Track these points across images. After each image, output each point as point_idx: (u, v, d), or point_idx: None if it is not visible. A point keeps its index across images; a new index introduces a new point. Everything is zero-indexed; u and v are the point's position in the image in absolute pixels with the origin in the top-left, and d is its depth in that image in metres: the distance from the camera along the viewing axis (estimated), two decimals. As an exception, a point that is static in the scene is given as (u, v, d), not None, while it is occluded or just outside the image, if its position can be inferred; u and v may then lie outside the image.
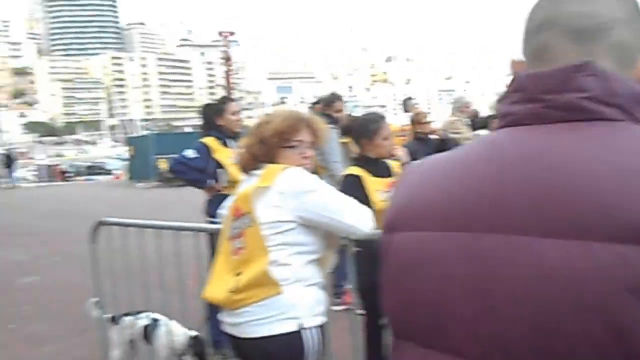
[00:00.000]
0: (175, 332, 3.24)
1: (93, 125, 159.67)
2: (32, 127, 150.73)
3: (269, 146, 2.27)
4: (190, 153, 4.46)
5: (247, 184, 2.29)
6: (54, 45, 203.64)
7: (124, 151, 46.09)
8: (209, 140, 4.49)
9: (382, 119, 3.21)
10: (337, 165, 4.80)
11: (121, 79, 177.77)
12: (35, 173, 38.37)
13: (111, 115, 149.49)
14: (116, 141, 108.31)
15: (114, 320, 3.53)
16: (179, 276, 3.15)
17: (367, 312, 2.63)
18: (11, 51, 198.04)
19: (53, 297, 6.40)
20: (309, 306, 2.11)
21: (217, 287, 2.19)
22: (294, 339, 2.07)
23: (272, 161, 2.26)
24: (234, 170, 4.43)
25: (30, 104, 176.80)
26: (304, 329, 2.07)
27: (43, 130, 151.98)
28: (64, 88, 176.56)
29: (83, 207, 16.76)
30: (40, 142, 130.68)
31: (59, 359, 4.56)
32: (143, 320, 3.40)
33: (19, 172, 39.61)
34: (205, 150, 4.44)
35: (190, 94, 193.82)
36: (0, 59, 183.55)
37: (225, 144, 4.48)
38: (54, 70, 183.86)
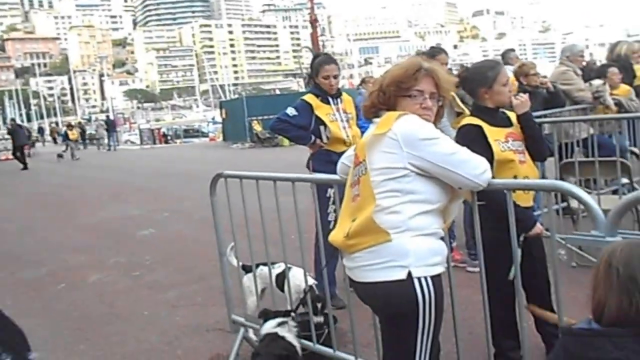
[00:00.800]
0: (299, 278, 3.44)
1: (186, 91, 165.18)
2: (132, 94, 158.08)
3: (387, 95, 2.24)
4: (291, 111, 4.54)
5: (367, 132, 2.32)
6: (148, 16, 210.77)
7: (217, 115, 47.55)
8: (310, 98, 4.53)
9: (499, 64, 3.07)
10: (443, 121, 4.76)
11: (210, 46, 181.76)
12: (138, 137, 40.49)
13: (203, 81, 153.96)
14: (208, 106, 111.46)
15: (245, 269, 3.75)
16: (289, 228, 3.28)
17: (490, 267, 2.51)
18: (111, 24, 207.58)
19: (168, 248, 6.85)
20: (421, 256, 2.06)
21: (338, 232, 2.25)
22: (404, 287, 2.04)
23: (391, 110, 2.23)
24: (334, 127, 4.50)
25: (130, 73, 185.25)
26: (416, 278, 2.04)
27: (142, 97, 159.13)
28: (158, 57, 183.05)
29: (185, 167, 17.61)
30: (140, 108, 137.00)
31: (181, 303, 4.91)
32: (276, 269, 3.60)
33: (125, 136, 42.04)
34: (307, 108, 4.49)
35: (277, 58, 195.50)
36: (102, 32, 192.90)
37: (326, 101, 4.53)
38: (150, 40, 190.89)
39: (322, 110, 4.49)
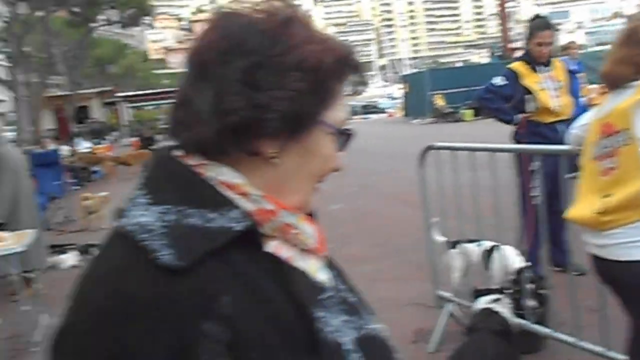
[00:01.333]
0: (509, 257, 3.28)
1: (364, 66, 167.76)
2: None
3: None
4: (498, 80, 4.38)
5: (618, 98, 2.07)
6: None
7: (395, 90, 47.36)
8: (518, 65, 4.36)
9: None
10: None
11: (389, 19, 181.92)
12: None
13: (381, 56, 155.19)
14: (386, 81, 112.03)
15: (453, 245, 3.69)
16: (486, 204, 3.13)
17: None
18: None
19: (360, 222, 7.02)
20: None
21: (582, 208, 2.09)
22: None
23: None
24: (543, 96, 4.24)
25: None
26: None
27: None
28: (337, 32, 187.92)
29: (367, 142, 17.80)
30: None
31: (379, 276, 4.98)
32: (482, 246, 3.49)
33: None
34: (513, 76, 4.31)
35: (457, 28, 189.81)
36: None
37: (534, 70, 4.29)
38: (329, 16, 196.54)
39: (530, 79, 4.28)
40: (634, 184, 1.92)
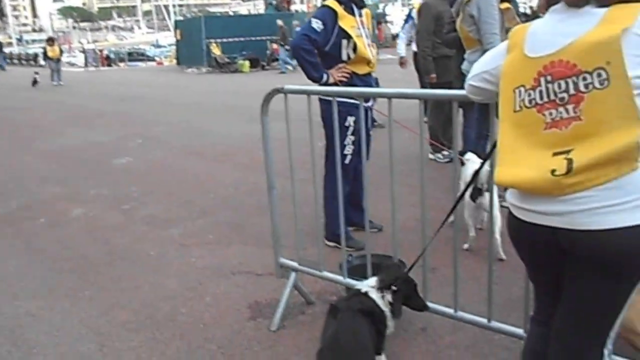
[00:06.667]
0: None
1: (127, 10, 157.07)
2: (67, 12, 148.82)
3: None
4: (318, 24, 3.65)
5: (572, 29, 1.64)
6: None
7: (162, 37, 45.02)
8: (335, 5, 3.72)
9: None
10: (496, 38, 4.19)
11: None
12: (79, 59, 38.02)
13: (145, 1, 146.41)
14: (151, 28, 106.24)
15: None
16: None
17: None
18: None
19: (154, 179, 6.21)
20: None
21: (525, 170, 1.65)
22: None
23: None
24: (360, 43, 3.75)
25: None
26: None
27: (78, 15, 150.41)
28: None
29: (143, 91, 16.56)
30: (76, 27, 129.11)
31: (190, 241, 4.34)
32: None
33: (64, 57, 39.14)
34: (332, 17, 3.70)
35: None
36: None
37: (350, 11, 3.76)
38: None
39: (346, 22, 3.72)
40: (621, 136, 1.53)
